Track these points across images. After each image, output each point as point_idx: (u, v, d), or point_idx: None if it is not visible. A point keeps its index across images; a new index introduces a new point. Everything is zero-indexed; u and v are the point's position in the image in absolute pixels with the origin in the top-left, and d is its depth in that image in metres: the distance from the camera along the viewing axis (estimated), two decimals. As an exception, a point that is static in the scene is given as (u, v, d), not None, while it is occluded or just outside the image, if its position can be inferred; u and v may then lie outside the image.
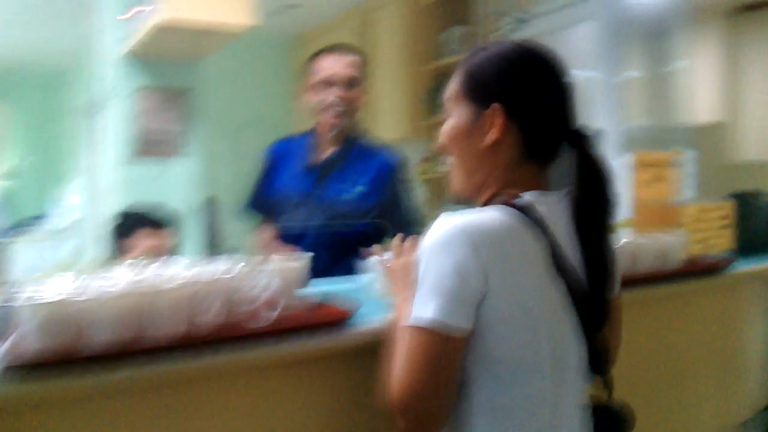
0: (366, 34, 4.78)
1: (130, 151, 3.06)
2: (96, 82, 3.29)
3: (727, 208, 2.12)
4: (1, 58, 6.01)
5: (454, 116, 1.16)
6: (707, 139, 4.23)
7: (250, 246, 2.42)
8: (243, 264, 1.33)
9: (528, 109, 1.10)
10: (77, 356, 1.03)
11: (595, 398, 1.18)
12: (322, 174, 2.24)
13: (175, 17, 2.65)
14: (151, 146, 3.08)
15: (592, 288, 1.10)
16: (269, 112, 5.53)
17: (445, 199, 4.74)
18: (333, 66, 2.18)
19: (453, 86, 1.17)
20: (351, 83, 2.18)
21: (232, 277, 1.27)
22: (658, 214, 2.05)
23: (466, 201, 1.20)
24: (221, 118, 5.14)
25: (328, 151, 2.26)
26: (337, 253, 2.16)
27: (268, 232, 2.34)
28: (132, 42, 2.93)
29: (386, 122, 4.49)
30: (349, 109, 2.19)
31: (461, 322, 1.00)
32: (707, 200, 2.14)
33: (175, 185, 3.15)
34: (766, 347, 2.20)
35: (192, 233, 2.86)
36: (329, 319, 1.27)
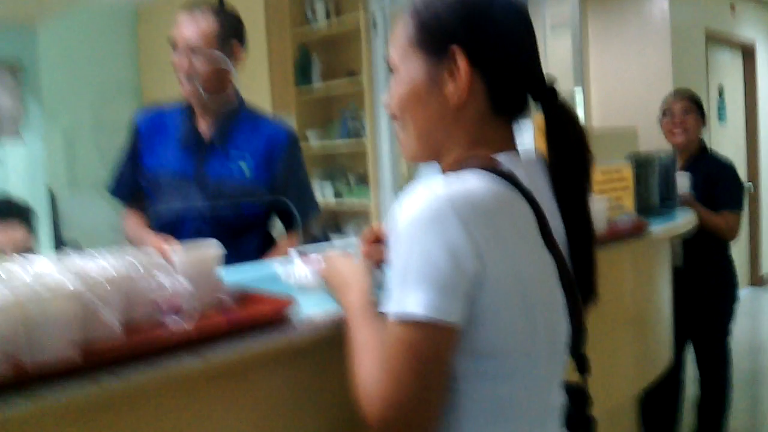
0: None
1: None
2: None
3: (627, 170, 2.10)
4: None
5: (403, 73, 0.98)
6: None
7: (118, 237, 2.10)
8: (136, 258, 1.07)
9: (494, 52, 0.94)
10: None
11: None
12: (200, 150, 1.96)
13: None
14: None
15: (577, 262, 0.97)
16: (114, 88, 5.03)
17: (318, 174, 4.55)
18: (180, 28, 1.91)
19: (398, 38, 1.00)
20: (194, 50, 1.89)
21: (131, 275, 1.02)
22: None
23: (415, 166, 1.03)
24: (63, 95, 4.59)
25: (206, 124, 1.98)
26: (222, 242, 1.90)
27: (135, 220, 2.03)
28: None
29: (251, 94, 4.20)
30: (197, 78, 1.90)
31: (455, 316, 0.82)
32: (604, 163, 2.11)
33: (15, 171, 2.71)
34: (669, 304, 2.24)
35: (43, 226, 2.46)
36: (263, 317, 1.05)
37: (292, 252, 1.45)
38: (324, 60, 4.47)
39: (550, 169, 0.98)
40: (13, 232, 1.64)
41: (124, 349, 0.90)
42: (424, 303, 0.81)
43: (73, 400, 0.83)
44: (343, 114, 4.46)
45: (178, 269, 1.11)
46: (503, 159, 0.94)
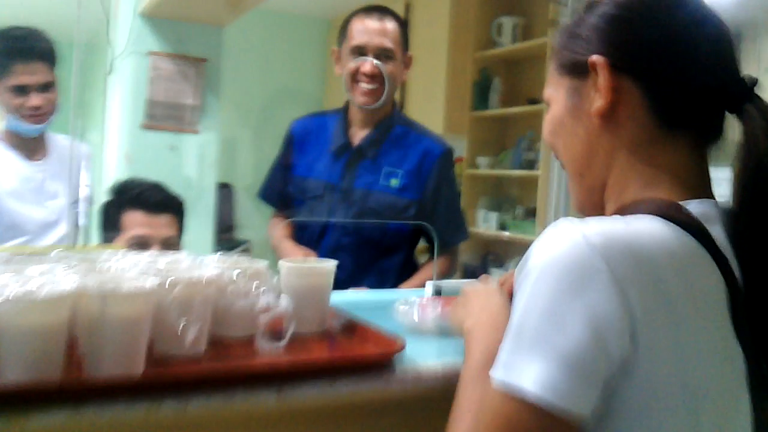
0: (408, 18, 4.41)
1: (135, 124, 2.71)
2: (107, 45, 2.95)
3: None
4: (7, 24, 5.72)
5: (554, 101, 0.83)
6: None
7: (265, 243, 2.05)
8: (240, 266, 0.96)
9: (646, 50, 0.74)
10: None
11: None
12: (351, 161, 1.86)
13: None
14: (159, 120, 2.73)
15: None
16: (297, 92, 5.21)
17: (483, 203, 4.36)
18: (366, 32, 1.81)
19: (550, 71, 0.85)
20: (384, 55, 1.80)
21: (221, 282, 0.90)
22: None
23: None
24: (242, 94, 4.81)
25: (360, 134, 1.88)
26: (362, 259, 1.79)
27: (280, 228, 1.97)
28: None
29: (424, 113, 4.12)
30: (381, 84, 1.81)
31: (583, 406, 0.61)
32: None
33: (184, 165, 2.79)
34: None
35: (199, 224, 2.50)
36: (365, 357, 0.89)
37: (427, 287, 1.29)
38: (505, 85, 4.29)
39: (734, 219, 0.72)
40: (155, 227, 1.61)
41: (199, 371, 0.78)
42: (543, 380, 0.60)
43: (125, 421, 0.72)
44: (518, 143, 4.24)
45: (286, 286, 0.99)
46: (696, 209, 0.71)
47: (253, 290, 0.93)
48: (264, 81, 5.16)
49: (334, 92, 5.25)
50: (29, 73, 1.97)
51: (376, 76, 1.79)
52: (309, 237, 1.85)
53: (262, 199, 2.04)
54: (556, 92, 0.83)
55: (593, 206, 0.81)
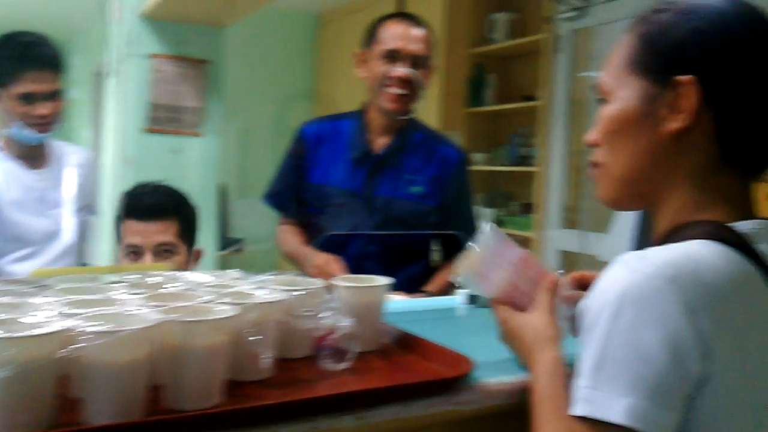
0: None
1: (136, 127, 2.67)
2: (106, 48, 2.90)
3: None
4: (6, 23, 5.60)
5: (619, 98, 0.82)
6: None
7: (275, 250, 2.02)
8: (300, 286, 0.95)
9: (737, 89, 0.75)
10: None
11: None
12: (374, 169, 1.84)
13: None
14: (161, 123, 2.69)
15: None
16: (291, 91, 5.18)
17: (478, 199, 4.37)
18: (402, 37, 1.78)
19: (616, 60, 0.83)
20: (419, 62, 1.79)
21: (288, 304, 0.89)
22: None
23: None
24: (241, 96, 4.77)
25: (381, 141, 1.86)
26: (388, 266, 1.77)
27: (292, 234, 1.93)
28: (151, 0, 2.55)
29: (419, 110, 4.11)
30: (412, 91, 1.79)
31: (665, 427, 0.65)
32: None
33: (187, 168, 2.76)
34: None
35: (203, 227, 2.47)
36: (439, 377, 0.88)
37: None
38: (499, 81, 4.30)
39: None
40: (158, 235, 1.56)
41: (282, 401, 0.76)
42: (631, 410, 0.64)
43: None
44: (512, 139, 4.25)
45: (342, 303, 0.98)
46: (745, 227, 0.74)
47: (315, 311, 0.92)
48: (250, 78, 5.11)
49: (325, 88, 5.23)
50: (38, 82, 1.93)
51: (408, 83, 1.77)
52: (331, 245, 1.83)
53: (270, 204, 2.00)
54: (623, 90, 0.81)
55: (625, 202, 0.85)
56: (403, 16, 1.85)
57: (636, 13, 0.85)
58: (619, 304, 0.66)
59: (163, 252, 1.55)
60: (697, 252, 0.69)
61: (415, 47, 1.78)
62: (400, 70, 1.76)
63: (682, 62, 0.76)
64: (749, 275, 0.70)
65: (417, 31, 1.80)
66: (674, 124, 0.76)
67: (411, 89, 1.78)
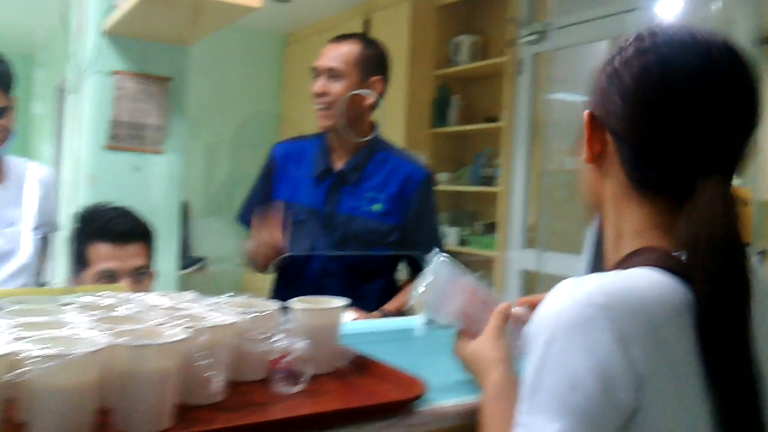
0: (366, 34, 4.43)
1: (97, 144, 2.64)
2: (68, 64, 2.87)
3: None
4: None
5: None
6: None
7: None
8: (254, 308, 0.96)
9: (617, 115, 0.77)
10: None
11: None
12: (334, 186, 1.86)
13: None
14: (123, 140, 2.67)
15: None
16: (255, 110, 5.17)
17: (443, 218, 4.41)
18: (321, 54, 1.83)
19: None
20: (332, 75, 1.80)
21: (240, 327, 0.89)
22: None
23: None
24: (193, 110, 4.74)
25: (342, 159, 1.88)
26: (347, 283, 1.79)
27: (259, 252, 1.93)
28: (115, 16, 2.53)
29: (384, 130, 4.14)
30: (329, 105, 1.80)
31: None
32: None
33: (149, 186, 2.73)
34: None
35: (164, 245, 2.44)
36: (391, 400, 0.89)
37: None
38: (463, 102, 4.35)
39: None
40: (123, 259, 1.54)
41: (232, 424, 0.77)
42: None
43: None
44: (477, 159, 4.30)
45: (297, 325, 0.99)
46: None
47: (269, 334, 0.92)
48: (215, 96, 5.09)
49: (290, 108, 5.24)
50: None
51: (322, 96, 1.80)
52: (292, 262, 1.84)
53: (242, 223, 2.01)
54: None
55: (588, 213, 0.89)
56: (341, 36, 1.87)
57: (594, 38, 0.90)
58: (552, 330, 0.67)
59: (138, 275, 1.54)
60: (637, 280, 0.69)
61: (328, 61, 1.80)
62: (316, 85, 1.81)
63: (590, 101, 0.82)
64: (688, 305, 0.69)
65: (336, 47, 1.83)
66: (584, 154, 0.82)
67: (327, 103, 1.80)
